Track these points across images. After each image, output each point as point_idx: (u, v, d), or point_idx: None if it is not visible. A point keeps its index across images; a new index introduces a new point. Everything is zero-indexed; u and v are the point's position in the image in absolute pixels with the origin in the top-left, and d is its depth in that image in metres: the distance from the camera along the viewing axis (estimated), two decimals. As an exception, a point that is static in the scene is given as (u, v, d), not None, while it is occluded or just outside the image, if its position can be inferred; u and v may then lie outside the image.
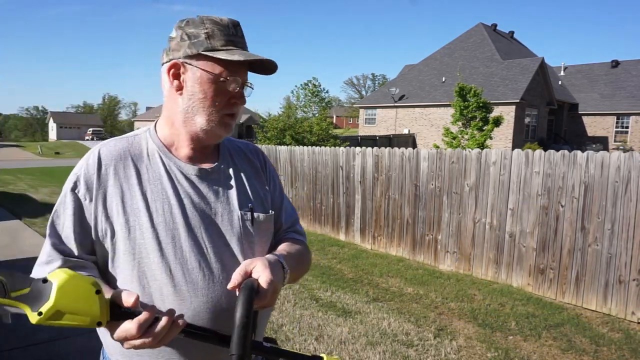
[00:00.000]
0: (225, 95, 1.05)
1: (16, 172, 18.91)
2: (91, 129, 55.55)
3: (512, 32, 31.74)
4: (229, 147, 1.22)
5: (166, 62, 1.07)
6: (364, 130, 28.31)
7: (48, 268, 0.98)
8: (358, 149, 6.88)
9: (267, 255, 1.05)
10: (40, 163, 26.47)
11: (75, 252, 1.01)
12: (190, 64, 1.04)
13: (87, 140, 50.14)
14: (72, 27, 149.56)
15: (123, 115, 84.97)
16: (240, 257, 1.07)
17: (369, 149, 6.68)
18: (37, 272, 1.01)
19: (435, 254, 5.87)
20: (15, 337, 3.45)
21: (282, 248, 1.16)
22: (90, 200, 1.01)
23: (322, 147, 7.59)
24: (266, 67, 1.09)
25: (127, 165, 1.05)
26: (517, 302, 4.56)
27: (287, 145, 10.91)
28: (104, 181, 1.03)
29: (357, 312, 4.25)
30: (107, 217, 1.01)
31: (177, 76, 1.05)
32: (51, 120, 61.40)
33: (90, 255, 1.03)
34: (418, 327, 3.96)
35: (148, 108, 60.74)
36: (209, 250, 1.05)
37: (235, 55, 1.01)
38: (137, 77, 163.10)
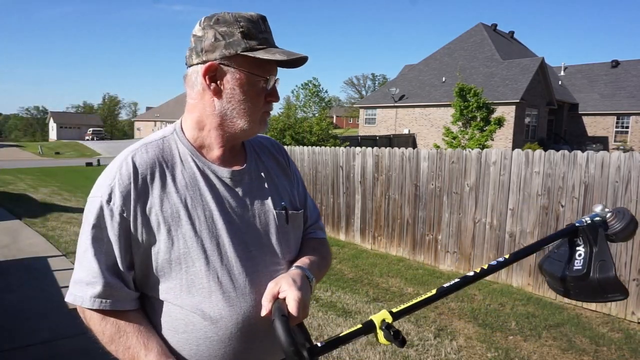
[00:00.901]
0: (263, 94, 1.05)
1: (16, 172, 18.92)
2: (91, 129, 55.55)
3: (512, 32, 31.74)
4: (252, 143, 1.20)
5: (198, 63, 1.02)
6: (364, 130, 28.31)
7: (90, 291, 0.96)
8: (358, 149, 6.88)
9: (291, 271, 1.05)
10: (41, 163, 26.49)
11: (121, 267, 0.98)
12: (228, 66, 1.00)
13: (87, 140, 50.13)
14: (72, 27, 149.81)
15: (123, 115, 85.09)
16: (280, 256, 1.09)
17: (369, 149, 6.68)
18: (78, 291, 0.98)
19: (435, 254, 5.87)
20: (15, 337, 3.45)
21: (305, 255, 1.16)
22: (129, 212, 0.97)
23: (322, 147, 7.59)
24: (296, 62, 1.06)
25: (162, 172, 1.01)
26: (517, 302, 4.56)
27: (287, 145, 10.91)
28: (141, 192, 0.98)
29: (357, 312, 4.25)
30: (149, 229, 0.98)
31: (213, 78, 1.01)
32: (51, 120, 61.44)
33: (130, 270, 1.00)
34: (418, 327, 3.96)
35: (148, 108, 60.82)
36: (253, 253, 1.04)
37: (277, 55, 1.00)
38: (137, 77, 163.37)
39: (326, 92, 23.55)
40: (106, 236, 0.97)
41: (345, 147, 7.29)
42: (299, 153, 7.97)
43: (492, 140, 15.05)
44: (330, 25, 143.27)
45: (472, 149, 5.51)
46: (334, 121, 54.84)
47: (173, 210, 0.99)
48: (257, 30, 1.01)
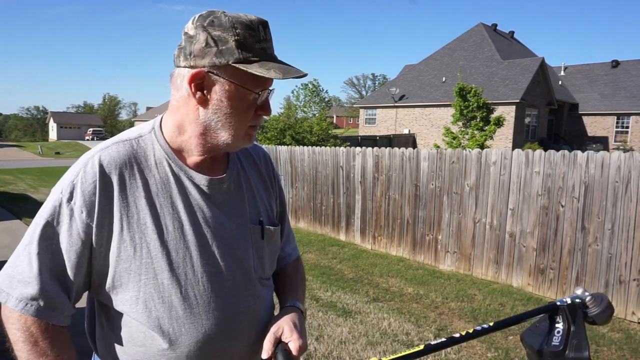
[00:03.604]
0: (253, 108, 0.96)
1: (16, 172, 18.93)
2: (91, 129, 55.55)
3: (512, 32, 31.74)
4: (237, 150, 1.13)
5: (185, 66, 0.93)
6: (364, 130, 28.30)
7: (20, 290, 0.89)
8: (358, 149, 6.88)
9: (289, 311, 1.06)
10: (41, 163, 26.48)
11: (69, 273, 0.91)
12: (218, 75, 0.91)
13: (88, 140, 50.15)
14: (72, 27, 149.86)
15: (123, 115, 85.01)
16: (251, 274, 1.04)
17: (369, 149, 6.68)
18: (6, 286, 0.90)
19: (435, 254, 5.87)
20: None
21: (294, 287, 1.18)
22: (88, 214, 0.90)
23: (322, 147, 7.59)
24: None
25: (132, 174, 0.94)
26: (518, 302, 4.56)
27: (287, 145, 10.91)
28: (105, 193, 0.91)
29: (357, 312, 4.25)
30: (111, 234, 0.91)
31: (200, 87, 0.92)
32: (51, 120, 61.41)
33: (78, 278, 0.93)
34: (418, 327, 3.96)
35: (148, 108, 60.81)
36: (222, 269, 0.99)
37: (272, 72, 0.90)
38: (137, 77, 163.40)
39: (326, 92, 23.56)
40: (57, 236, 0.90)
41: (345, 147, 7.29)
42: (299, 153, 7.97)
43: (492, 140, 15.04)
44: (331, 25, 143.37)
45: (472, 149, 5.51)
46: (334, 121, 54.85)
47: (140, 217, 0.93)
48: (255, 39, 0.91)
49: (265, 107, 0.98)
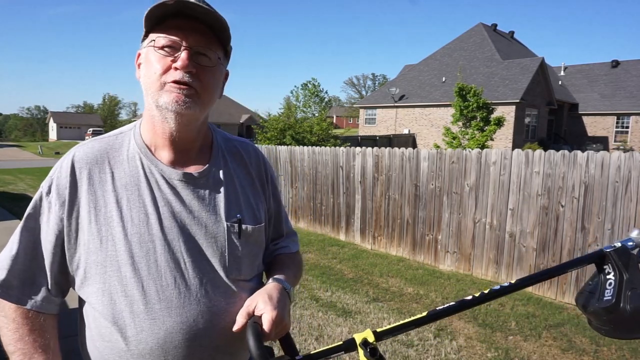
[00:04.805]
0: (160, 59, 0.94)
1: (16, 172, 18.93)
2: (91, 129, 55.34)
3: (512, 32, 31.75)
4: (223, 147, 1.11)
5: None
6: (364, 130, 28.30)
7: (0, 276, 0.96)
8: (358, 149, 6.87)
9: (268, 285, 1.02)
10: (41, 163, 26.46)
11: (46, 262, 0.96)
12: (142, 47, 0.99)
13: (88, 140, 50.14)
14: (72, 27, 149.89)
15: (123, 115, 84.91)
16: (222, 273, 0.99)
17: (369, 149, 6.68)
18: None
19: (435, 254, 5.86)
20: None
21: (283, 268, 1.13)
22: (61, 206, 0.94)
23: (322, 147, 7.59)
24: (210, 22, 0.94)
25: (102, 169, 0.97)
26: (517, 302, 4.56)
27: (287, 145, 10.91)
28: (76, 187, 0.95)
29: (357, 312, 4.25)
30: (78, 226, 0.94)
31: (138, 64, 1.01)
32: (51, 120, 61.37)
33: (55, 267, 0.97)
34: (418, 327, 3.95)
35: (148, 108, 60.73)
36: (187, 265, 0.96)
37: (156, 7, 0.91)
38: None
39: (326, 92, 23.57)
40: (39, 227, 0.96)
41: (345, 147, 7.28)
42: (299, 153, 7.97)
43: (492, 140, 15.03)
44: (331, 25, 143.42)
45: (472, 149, 5.51)
46: (334, 121, 54.87)
47: (107, 210, 0.94)
48: (158, 2, 0.91)
49: (177, 59, 0.93)
